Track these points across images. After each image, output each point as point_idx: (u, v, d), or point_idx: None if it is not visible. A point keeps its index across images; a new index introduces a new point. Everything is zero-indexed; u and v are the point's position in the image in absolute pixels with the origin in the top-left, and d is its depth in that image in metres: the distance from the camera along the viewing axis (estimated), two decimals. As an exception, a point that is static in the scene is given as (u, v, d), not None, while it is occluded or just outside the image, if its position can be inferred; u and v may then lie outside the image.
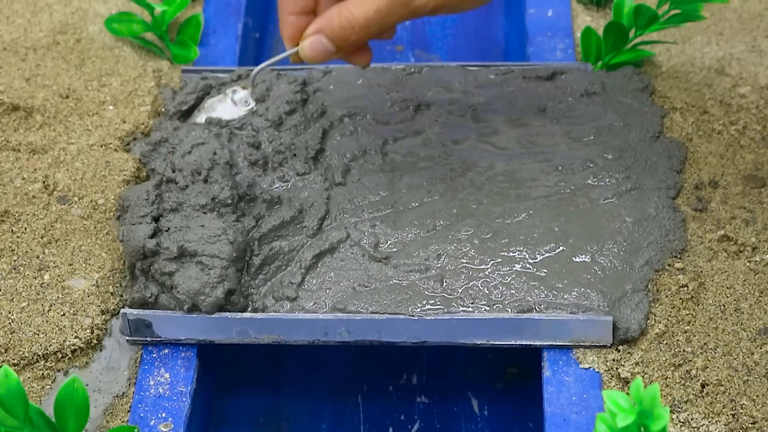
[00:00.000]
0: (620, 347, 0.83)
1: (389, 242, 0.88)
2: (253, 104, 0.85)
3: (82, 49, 1.06)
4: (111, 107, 1.01)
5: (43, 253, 0.90)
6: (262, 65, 0.85)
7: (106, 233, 0.91)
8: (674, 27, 1.05)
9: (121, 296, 0.88)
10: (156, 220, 0.87)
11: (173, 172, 0.91)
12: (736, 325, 0.84)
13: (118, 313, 0.86)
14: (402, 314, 0.84)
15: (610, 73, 1.01)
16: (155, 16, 1.05)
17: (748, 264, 0.87)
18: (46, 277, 0.89)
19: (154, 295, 0.85)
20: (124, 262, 0.88)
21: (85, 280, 0.88)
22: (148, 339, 0.85)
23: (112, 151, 0.97)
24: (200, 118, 0.84)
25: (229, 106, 0.85)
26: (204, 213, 0.86)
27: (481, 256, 0.87)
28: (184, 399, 0.83)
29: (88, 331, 0.86)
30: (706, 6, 1.08)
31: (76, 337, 0.85)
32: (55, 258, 0.90)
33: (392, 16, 0.80)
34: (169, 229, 0.86)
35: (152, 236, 0.85)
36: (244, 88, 0.85)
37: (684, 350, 0.82)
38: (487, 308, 0.84)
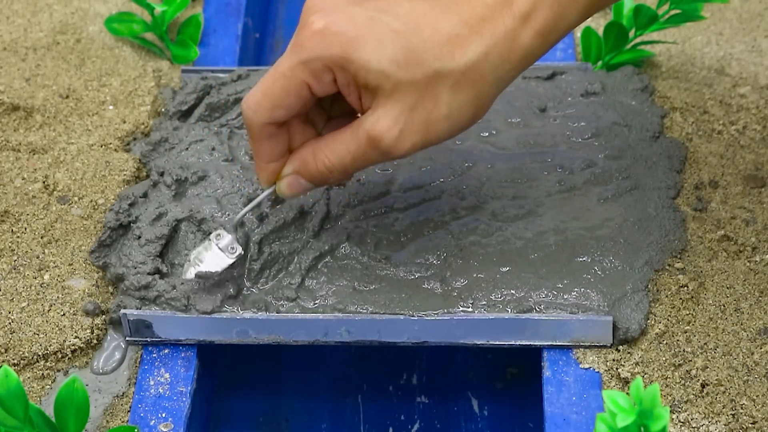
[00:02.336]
0: (620, 347, 0.83)
1: (389, 242, 0.88)
2: (239, 250, 0.84)
3: (82, 49, 1.06)
4: (111, 107, 1.01)
5: (43, 253, 0.90)
6: (243, 212, 0.84)
7: (106, 233, 0.91)
8: (674, 27, 1.05)
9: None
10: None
11: (161, 175, 0.91)
12: (736, 325, 0.84)
13: (119, 312, 0.86)
14: (402, 314, 0.84)
15: (610, 73, 1.01)
16: (155, 16, 1.05)
17: (748, 264, 0.87)
18: (46, 277, 0.89)
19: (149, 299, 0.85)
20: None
21: (85, 280, 0.88)
22: (148, 339, 0.85)
23: (112, 151, 0.97)
24: (189, 273, 0.84)
25: (216, 254, 0.84)
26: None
27: (481, 256, 0.87)
28: (184, 399, 0.83)
29: (88, 331, 0.86)
30: (706, 6, 1.08)
31: (76, 337, 0.85)
32: (55, 258, 0.90)
33: (368, 162, 0.79)
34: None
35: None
36: (228, 233, 0.85)
37: (684, 350, 0.82)
38: (487, 308, 0.84)
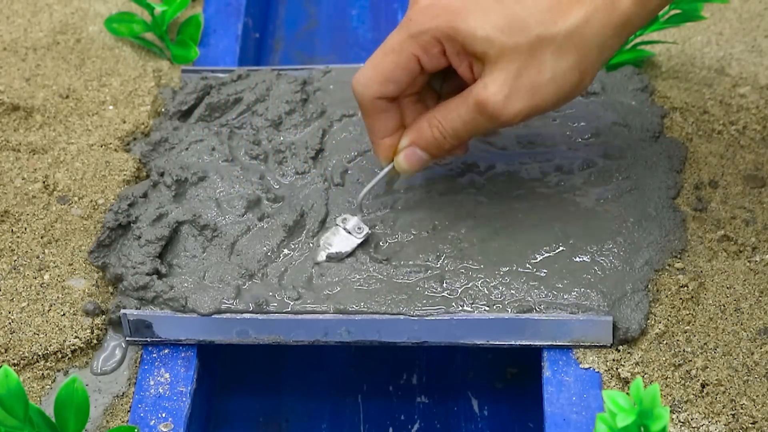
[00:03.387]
0: (620, 347, 0.83)
1: (389, 242, 0.88)
2: (366, 229, 0.87)
3: (82, 49, 1.06)
4: (111, 107, 1.01)
5: (43, 253, 0.90)
6: (366, 190, 0.87)
7: (106, 233, 0.91)
8: (674, 27, 1.05)
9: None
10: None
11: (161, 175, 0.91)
12: (736, 325, 0.84)
13: (118, 312, 0.86)
14: (402, 314, 0.84)
15: (610, 73, 1.01)
16: (155, 16, 1.05)
17: (748, 264, 0.87)
18: (46, 277, 0.89)
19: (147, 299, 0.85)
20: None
21: (85, 280, 0.88)
22: (148, 339, 0.85)
23: (112, 151, 0.97)
24: (320, 256, 0.87)
25: (344, 236, 0.87)
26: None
27: (480, 256, 0.87)
28: (184, 399, 0.83)
29: (88, 331, 0.86)
30: (706, 6, 1.08)
31: (76, 337, 0.85)
32: (55, 258, 0.90)
33: (479, 129, 0.81)
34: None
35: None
36: (353, 215, 0.88)
37: (684, 350, 0.82)
38: (487, 308, 0.84)
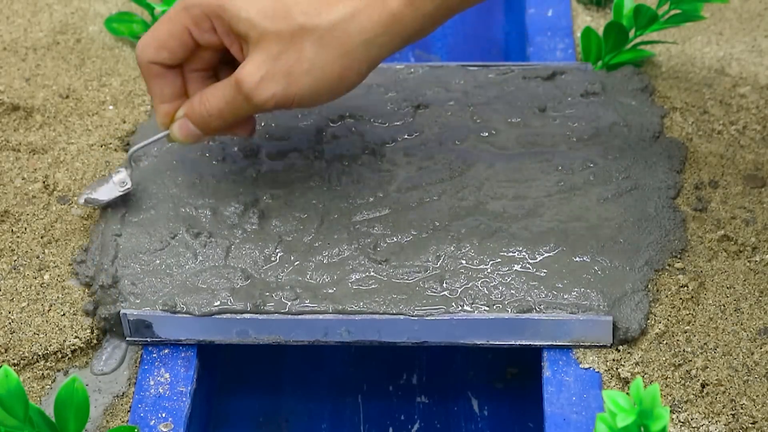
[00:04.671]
0: (620, 347, 0.83)
1: (389, 243, 0.88)
2: (129, 184, 0.89)
3: (82, 49, 1.06)
4: (111, 107, 1.01)
5: (43, 253, 0.90)
6: (137, 146, 0.89)
7: (106, 233, 0.91)
8: (674, 27, 1.05)
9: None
10: None
11: None
12: (736, 325, 0.84)
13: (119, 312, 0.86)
14: (402, 314, 0.84)
15: (610, 73, 1.01)
16: (155, 16, 1.05)
17: (748, 264, 0.87)
18: (46, 277, 0.89)
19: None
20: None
21: (85, 280, 0.88)
22: (148, 339, 0.85)
23: (112, 151, 0.97)
24: (81, 198, 0.89)
25: (109, 187, 0.89)
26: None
27: (480, 256, 0.87)
28: (184, 399, 0.83)
29: (88, 331, 0.86)
30: (706, 6, 1.08)
31: (76, 337, 0.85)
32: (55, 258, 0.90)
33: (239, 109, 0.82)
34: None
35: None
36: (125, 168, 0.89)
37: (684, 350, 0.82)
38: (487, 308, 0.84)
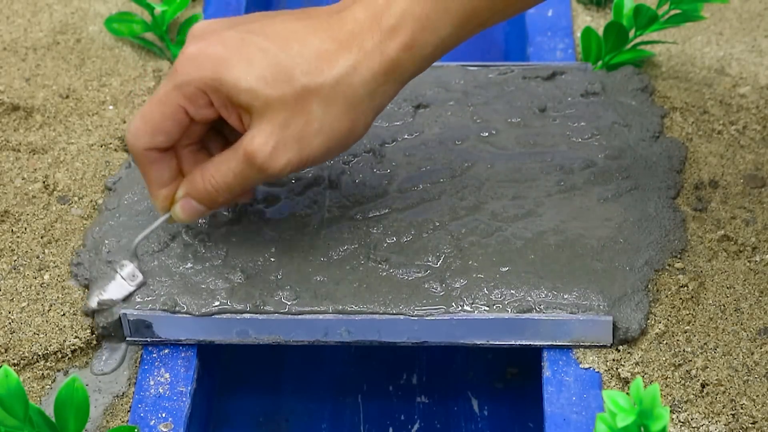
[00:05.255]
0: (620, 347, 0.83)
1: (389, 243, 0.88)
2: (140, 277, 0.85)
3: (82, 49, 1.06)
4: (111, 107, 1.01)
5: (43, 253, 0.90)
6: (140, 237, 0.85)
7: (106, 233, 0.91)
8: (674, 27, 1.05)
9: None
10: None
11: None
12: (736, 325, 0.84)
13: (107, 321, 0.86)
14: (402, 314, 0.84)
15: (610, 73, 1.01)
16: (155, 16, 1.05)
17: (748, 264, 0.87)
18: (46, 277, 0.89)
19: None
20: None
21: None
22: (148, 339, 0.85)
23: (112, 151, 0.97)
24: (92, 301, 0.85)
25: (119, 283, 0.85)
26: None
27: (480, 256, 0.86)
28: (184, 399, 0.83)
29: (88, 331, 0.86)
30: (706, 6, 1.08)
31: (76, 337, 0.85)
32: (55, 258, 0.90)
33: (249, 181, 0.79)
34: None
35: None
36: (130, 261, 0.85)
37: (684, 350, 0.82)
38: (487, 308, 0.84)
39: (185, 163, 0.82)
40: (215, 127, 0.83)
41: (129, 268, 0.85)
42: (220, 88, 0.77)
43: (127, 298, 0.85)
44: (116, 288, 0.85)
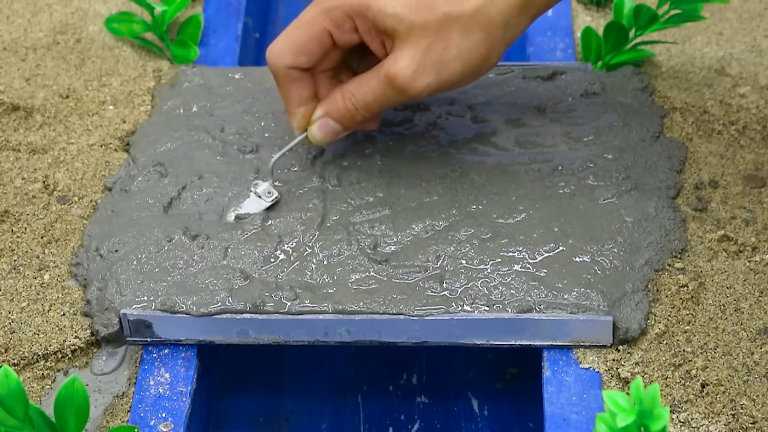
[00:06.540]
0: (620, 347, 0.83)
1: (388, 243, 0.88)
2: (276, 193, 0.90)
3: (82, 49, 1.06)
4: (111, 107, 1.01)
5: (43, 253, 0.90)
6: (277, 156, 0.90)
7: (106, 233, 0.91)
8: (674, 27, 1.05)
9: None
10: None
11: None
12: (736, 325, 0.84)
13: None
14: (402, 314, 0.84)
15: (610, 73, 1.01)
16: (155, 16, 1.05)
17: (748, 264, 0.87)
18: (46, 277, 0.89)
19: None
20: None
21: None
22: (148, 339, 0.85)
23: (112, 151, 0.97)
24: (229, 216, 0.89)
25: (254, 200, 0.90)
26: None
27: (480, 256, 0.87)
28: (184, 399, 0.83)
29: (88, 331, 0.86)
30: (706, 6, 1.08)
31: (76, 337, 0.85)
32: (55, 258, 0.90)
33: (389, 101, 0.85)
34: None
35: None
36: (264, 180, 0.90)
37: (684, 350, 0.82)
38: (487, 308, 0.84)
39: (322, 87, 0.88)
40: (346, 60, 0.88)
41: (264, 185, 0.90)
42: (367, 13, 0.82)
43: (263, 212, 0.89)
44: (252, 203, 0.89)
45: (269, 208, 0.89)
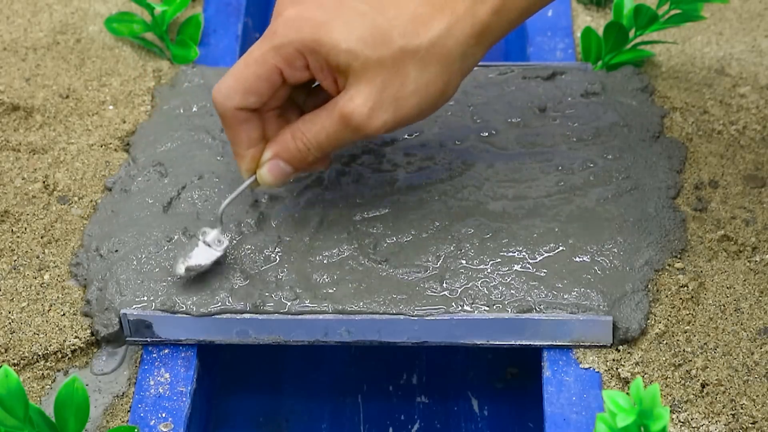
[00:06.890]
0: (620, 347, 0.83)
1: (389, 243, 0.88)
2: (226, 242, 0.85)
3: (82, 49, 1.06)
4: (111, 107, 1.01)
5: (43, 253, 0.90)
6: (226, 202, 0.85)
7: (106, 233, 0.91)
8: (674, 27, 1.05)
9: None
10: None
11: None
12: (736, 325, 0.84)
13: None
14: (402, 314, 0.84)
15: (610, 73, 1.01)
16: (155, 16, 1.05)
17: (748, 264, 0.87)
18: (46, 277, 0.89)
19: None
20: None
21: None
22: (148, 339, 0.85)
23: (112, 151, 0.97)
24: (179, 268, 0.85)
25: (203, 249, 0.85)
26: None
27: (480, 256, 0.87)
28: (184, 399, 0.83)
29: (88, 331, 0.86)
30: (706, 6, 1.08)
31: (76, 337, 0.85)
32: (55, 258, 0.90)
33: (342, 141, 0.81)
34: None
35: None
36: (212, 228, 0.85)
37: (684, 350, 0.82)
38: (487, 308, 0.84)
39: (268, 128, 0.84)
40: (292, 97, 0.84)
41: (213, 233, 0.85)
42: (320, 50, 0.78)
43: (215, 263, 0.85)
44: (202, 254, 0.85)
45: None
